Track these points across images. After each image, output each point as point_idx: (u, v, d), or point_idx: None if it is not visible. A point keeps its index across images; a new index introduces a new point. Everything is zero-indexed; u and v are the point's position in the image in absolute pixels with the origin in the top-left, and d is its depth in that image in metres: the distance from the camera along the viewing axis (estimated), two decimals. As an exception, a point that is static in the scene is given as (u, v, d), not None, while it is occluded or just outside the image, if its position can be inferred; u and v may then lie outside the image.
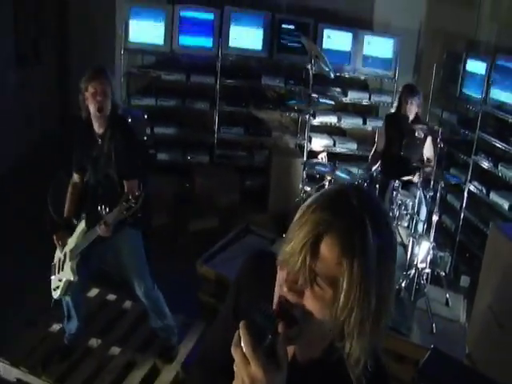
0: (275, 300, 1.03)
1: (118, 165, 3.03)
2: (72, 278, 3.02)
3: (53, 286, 3.19)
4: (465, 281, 4.79)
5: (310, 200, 1.01)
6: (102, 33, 6.86)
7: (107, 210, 2.86)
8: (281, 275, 1.02)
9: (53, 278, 3.20)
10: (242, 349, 0.92)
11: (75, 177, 3.27)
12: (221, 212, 5.37)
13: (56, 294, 3.15)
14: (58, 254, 3.18)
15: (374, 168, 4.79)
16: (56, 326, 3.53)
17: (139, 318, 3.72)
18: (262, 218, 5.47)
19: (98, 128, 3.04)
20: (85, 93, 2.97)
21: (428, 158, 4.50)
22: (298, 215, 1.01)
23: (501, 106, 4.75)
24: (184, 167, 5.79)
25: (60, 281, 3.13)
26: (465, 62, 5.38)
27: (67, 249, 3.11)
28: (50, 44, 7.57)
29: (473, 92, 5.23)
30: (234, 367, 0.94)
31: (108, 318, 3.73)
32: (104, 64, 6.95)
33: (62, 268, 3.13)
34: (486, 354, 3.31)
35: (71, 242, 3.10)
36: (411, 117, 4.56)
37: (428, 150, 4.54)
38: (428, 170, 4.33)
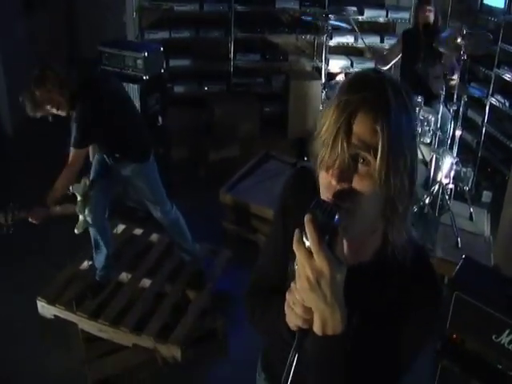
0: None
1: None
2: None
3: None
4: (487, 196, 4.59)
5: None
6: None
7: None
8: (323, 177, 0.98)
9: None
10: (304, 245, 0.87)
11: None
12: (241, 140, 5.14)
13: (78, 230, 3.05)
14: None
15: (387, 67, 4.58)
16: (86, 264, 3.42)
17: (166, 249, 3.59)
18: (283, 144, 5.22)
19: None
20: None
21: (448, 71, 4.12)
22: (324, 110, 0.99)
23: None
24: (201, 98, 5.50)
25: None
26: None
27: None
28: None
29: (495, 2, 4.73)
30: (295, 266, 0.90)
31: (136, 251, 3.59)
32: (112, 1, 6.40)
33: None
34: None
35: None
36: (426, 22, 4.17)
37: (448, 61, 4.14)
38: (450, 83, 4.00)
